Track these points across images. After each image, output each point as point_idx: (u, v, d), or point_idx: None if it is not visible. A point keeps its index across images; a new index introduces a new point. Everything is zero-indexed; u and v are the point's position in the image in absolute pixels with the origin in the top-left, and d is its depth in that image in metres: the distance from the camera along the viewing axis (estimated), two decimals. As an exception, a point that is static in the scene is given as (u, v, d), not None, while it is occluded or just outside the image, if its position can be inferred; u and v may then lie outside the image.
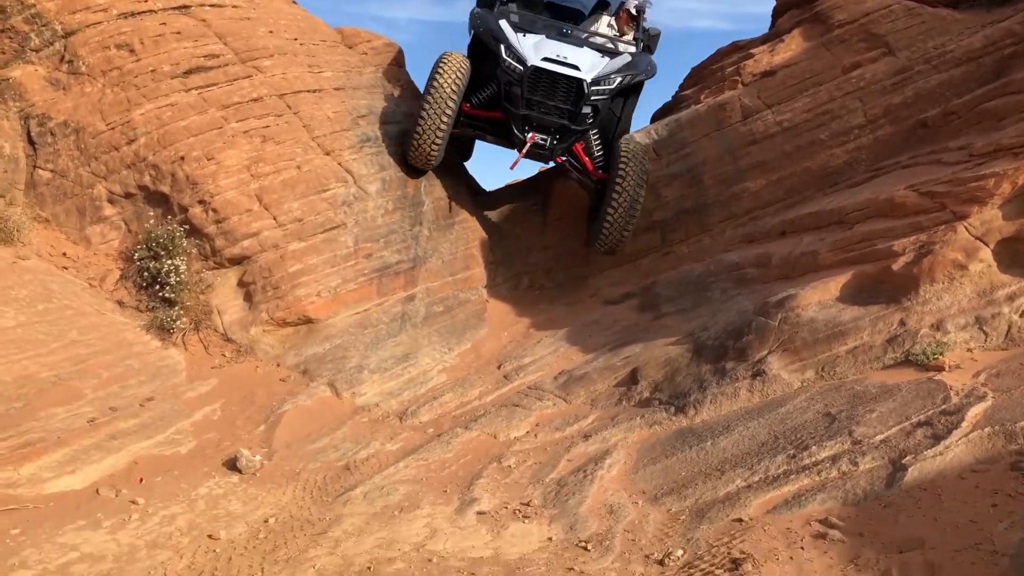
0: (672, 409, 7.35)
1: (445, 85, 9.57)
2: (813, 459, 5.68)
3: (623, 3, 10.57)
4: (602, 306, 10.48)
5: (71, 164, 9.01)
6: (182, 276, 8.40)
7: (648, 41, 10.43)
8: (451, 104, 9.62)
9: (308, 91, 10.06)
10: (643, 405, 7.71)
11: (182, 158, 8.91)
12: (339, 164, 9.64)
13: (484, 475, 6.62)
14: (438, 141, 9.73)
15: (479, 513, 5.96)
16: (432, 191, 10.55)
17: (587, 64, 9.57)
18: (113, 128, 9.08)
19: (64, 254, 8.57)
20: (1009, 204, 7.21)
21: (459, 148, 12.07)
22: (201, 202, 8.81)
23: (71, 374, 6.90)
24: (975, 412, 5.53)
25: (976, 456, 5.15)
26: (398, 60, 12.34)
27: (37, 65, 9.47)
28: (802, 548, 4.73)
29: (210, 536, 5.58)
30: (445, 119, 9.63)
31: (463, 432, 7.56)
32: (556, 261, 11.57)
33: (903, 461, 5.26)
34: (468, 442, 7.40)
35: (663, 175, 11.24)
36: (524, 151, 9.94)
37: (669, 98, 13.78)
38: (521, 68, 9.48)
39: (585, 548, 5.30)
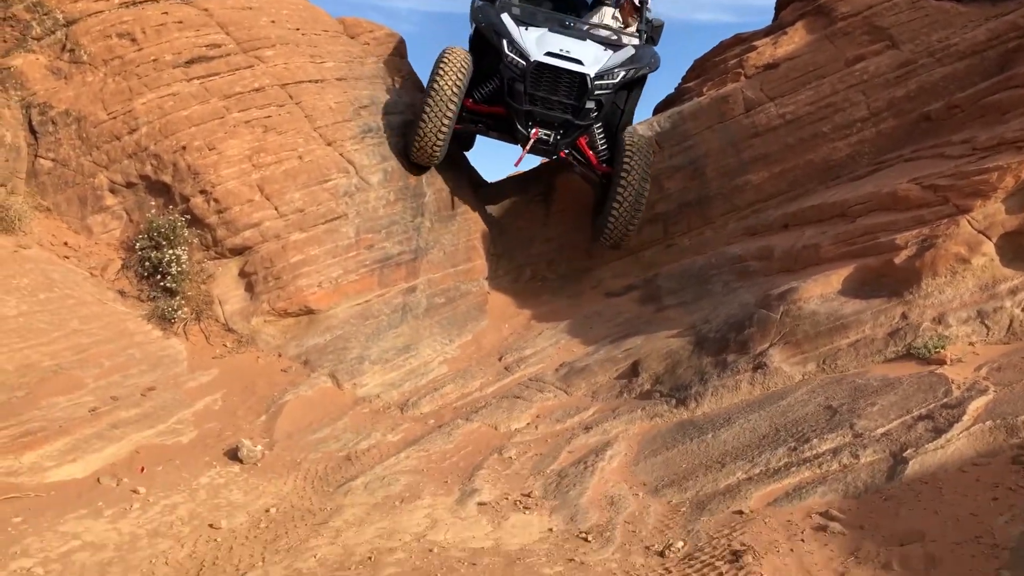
0: (673, 401, 7.35)
1: (447, 84, 9.49)
2: (814, 452, 5.67)
3: (627, -7, 10.53)
4: (604, 298, 10.48)
5: (72, 153, 9.00)
6: (183, 266, 8.40)
7: (651, 32, 10.38)
8: (453, 103, 9.55)
9: (310, 81, 10.04)
10: (644, 397, 7.71)
11: (184, 148, 8.90)
12: (341, 154, 9.63)
13: (485, 466, 6.62)
14: (440, 140, 9.68)
15: (480, 504, 5.97)
16: (434, 182, 10.53)
17: (590, 58, 9.49)
18: (115, 117, 9.07)
19: (65, 243, 8.57)
20: (1012, 198, 7.19)
21: (460, 139, 12.05)
22: (203, 192, 8.81)
23: (72, 363, 6.90)
24: (976, 406, 5.52)
25: (977, 450, 5.14)
26: (400, 50, 12.32)
27: (38, 54, 9.46)
28: (803, 540, 4.73)
29: (211, 525, 5.59)
30: (447, 119, 9.55)
31: (464, 423, 7.57)
32: (558, 253, 11.56)
33: (904, 454, 5.26)
34: (469, 433, 7.40)
35: (666, 167, 11.22)
36: (528, 147, 9.88)
37: (672, 90, 13.76)
38: (524, 64, 9.39)
39: (586, 539, 5.30)
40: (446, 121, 9.56)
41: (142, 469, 6.25)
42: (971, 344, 6.49)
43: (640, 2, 10.49)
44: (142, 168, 8.93)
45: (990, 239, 7.02)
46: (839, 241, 8.33)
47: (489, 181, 13.45)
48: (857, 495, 5.12)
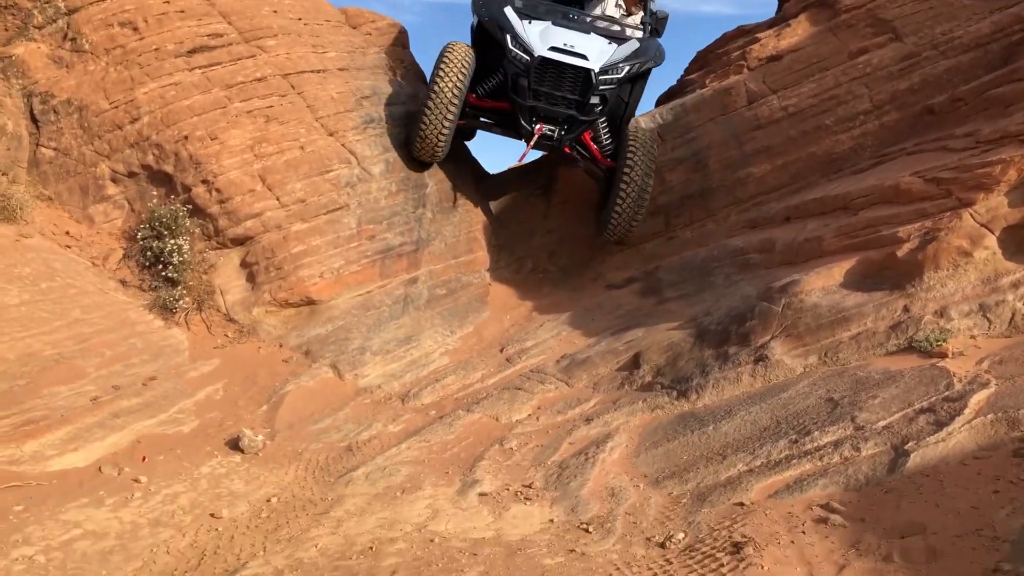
0: (674, 393, 7.35)
1: (449, 80, 9.40)
2: (815, 444, 5.68)
3: (632, -16, 10.47)
4: (605, 290, 10.47)
5: (74, 143, 8.99)
6: (185, 256, 8.40)
7: (655, 24, 10.29)
8: (456, 100, 9.48)
9: (312, 71, 10.02)
10: (645, 389, 7.72)
11: (185, 137, 8.89)
12: (342, 145, 9.62)
13: (486, 457, 6.63)
14: (443, 137, 9.62)
15: (481, 495, 5.97)
16: (436, 174, 10.52)
17: (595, 53, 9.39)
18: (116, 107, 9.05)
19: (67, 233, 8.57)
20: (1015, 191, 7.17)
21: (462, 130, 12.00)
22: (204, 182, 8.80)
23: (74, 353, 6.91)
24: (978, 399, 5.52)
25: (978, 443, 5.14)
26: (402, 41, 12.29)
27: (40, 43, 9.44)
28: (803, 532, 4.74)
29: (212, 515, 5.61)
30: (450, 116, 9.48)
31: (465, 414, 7.57)
32: (559, 245, 11.55)
33: (905, 447, 5.26)
34: (470, 424, 7.41)
35: (668, 159, 11.20)
36: (532, 143, 9.80)
37: (674, 82, 13.72)
38: (528, 59, 9.29)
39: (586, 530, 5.31)
40: (448, 120, 9.50)
41: (143, 458, 6.26)
42: (973, 337, 6.49)
43: (644, -7, 10.42)
44: (144, 158, 8.92)
45: (993, 232, 7.01)
46: (841, 234, 8.32)
47: (491, 173, 13.45)
48: (858, 487, 5.12)
